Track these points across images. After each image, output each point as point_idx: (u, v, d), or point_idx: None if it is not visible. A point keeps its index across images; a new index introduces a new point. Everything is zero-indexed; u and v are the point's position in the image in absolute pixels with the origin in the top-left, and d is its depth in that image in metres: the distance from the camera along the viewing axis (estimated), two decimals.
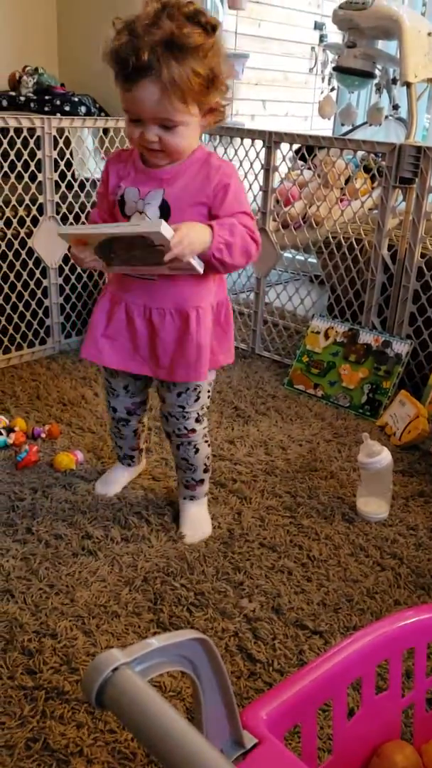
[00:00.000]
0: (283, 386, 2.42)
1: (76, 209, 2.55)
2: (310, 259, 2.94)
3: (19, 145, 2.31)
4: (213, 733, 0.63)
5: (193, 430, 1.55)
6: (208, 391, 1.55)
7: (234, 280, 2.77)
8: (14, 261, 2.40)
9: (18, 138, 2.30)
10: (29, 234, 2.41)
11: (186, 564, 1.50)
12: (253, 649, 1.29)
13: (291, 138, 2.43)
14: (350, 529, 1.65)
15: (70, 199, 2.52)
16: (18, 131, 2.30)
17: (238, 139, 2.59)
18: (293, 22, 4.14)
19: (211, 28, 1.24)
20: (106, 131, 2.68)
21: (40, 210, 2.42)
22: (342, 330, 2.37)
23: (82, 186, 2.57)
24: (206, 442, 1.59)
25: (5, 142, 2.27)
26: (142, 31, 1.19)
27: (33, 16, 4.21)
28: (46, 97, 3.06)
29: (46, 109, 2.98)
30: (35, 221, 2.42)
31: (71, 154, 2.52)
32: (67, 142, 2.48)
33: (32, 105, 3.04)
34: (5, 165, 2.28)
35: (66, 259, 2.52)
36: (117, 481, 1.75)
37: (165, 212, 1.36)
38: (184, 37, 1.20)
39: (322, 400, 2.33)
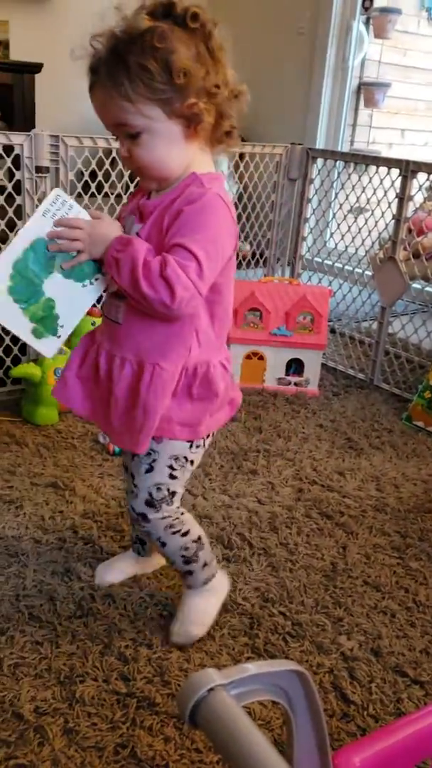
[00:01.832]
0: (401, 421, 2.35)
1: None
2: None
3: None
4: None
5: (144, 517, 1.24)
6: (171, 468, 1.22)
7: (357, 307, 2.73)
8: None
9: None
10: None
11: (286, 592, 1.48)
12: (348, 690, 1.25)
13: (429, 168, 2.38)
14: None
15: None
16: None
17: (374, 168, 2.56)
18: None
19: (185, 18, 1.02)
20: (242, 156, 2.73)
21: None
22: None
23: None
24: (177, 533, 1.27)
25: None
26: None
27: None
28: None
29: None
30: None
31: None
32: None
33: None
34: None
35: None
36: (120, 568, 1.48)
37: None
38: (127, 26, 1.02)
39: None
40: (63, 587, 1.44)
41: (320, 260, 2.87)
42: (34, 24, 3.82)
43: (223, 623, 1.38)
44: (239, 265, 2.84)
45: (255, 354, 2.48)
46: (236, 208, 2.71)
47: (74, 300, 1.11)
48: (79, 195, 2.23)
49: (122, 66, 1.01)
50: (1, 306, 1.06)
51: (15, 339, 2.24)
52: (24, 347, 2.27)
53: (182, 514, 1.28)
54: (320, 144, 3.92)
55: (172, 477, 1.23)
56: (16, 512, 1.68)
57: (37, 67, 3.66)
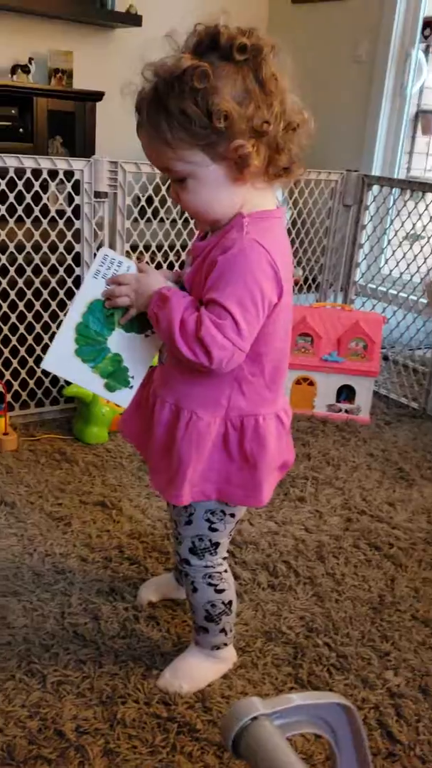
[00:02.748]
0: None
1: None
2: None
3: None
4: None
5: (187, 561, 1.22)
6: (210, 521, 1.18)
7: (411, 335, 2.70)
8: None
9: None
10: None
11: (331, 623, 1.46)
12: (395, 728, 1.21)
13: None
14: None
15: None
16: None
17: (430, 195, 2.54)
18: None
19: (231, 51, 0.94)
20: (296, 182, 2.75)
21: None
22: None
23: None
24: (212, 585, 1.22)
25: None
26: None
27: None
28: None
29: None
30: None
31: None
32: None
33: None
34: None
35: None
36: (160, 589, 1.49)
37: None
38: (169, 65, 0.96)
39: None
40: (107, 607, 1.44)
41: (374, 286, 2.85)
42: (97, 54, 3.94)
43: (266, 651, 1.36)
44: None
45: (305, 379, 2.46)
46: (289, 233, 2.72)
47: (139, 351, 1.12)
48: (136, 220, 2.27)
49: (162, 110, 0.97)
50: (71, 369, 1.11)
51: None
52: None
53: (225, 571, 1.24)
54: (376, 171, 3.92)
55: (212, 530, 1.19)
56: (64, 529, 1.70)
57: (98, 96, 3.77)
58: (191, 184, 1.02)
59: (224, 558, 1.25)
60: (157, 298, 1.05)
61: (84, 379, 1.12)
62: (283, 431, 1.15)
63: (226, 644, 1.29)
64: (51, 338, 2.20)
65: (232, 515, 1.20)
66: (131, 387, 1.14)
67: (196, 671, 1.27)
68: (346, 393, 2.47)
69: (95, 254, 1.03)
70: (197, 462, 1.11)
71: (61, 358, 1.11)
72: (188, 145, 0.98)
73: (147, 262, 1.12)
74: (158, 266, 2.40)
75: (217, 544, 1.21)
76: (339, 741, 0.56)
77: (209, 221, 1.06)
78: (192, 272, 1.07)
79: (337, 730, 0.56)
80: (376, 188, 2.75)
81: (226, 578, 1.24)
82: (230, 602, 1.26)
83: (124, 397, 1.14)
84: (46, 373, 2.26)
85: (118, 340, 1.11)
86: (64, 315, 1.12)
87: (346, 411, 2.48)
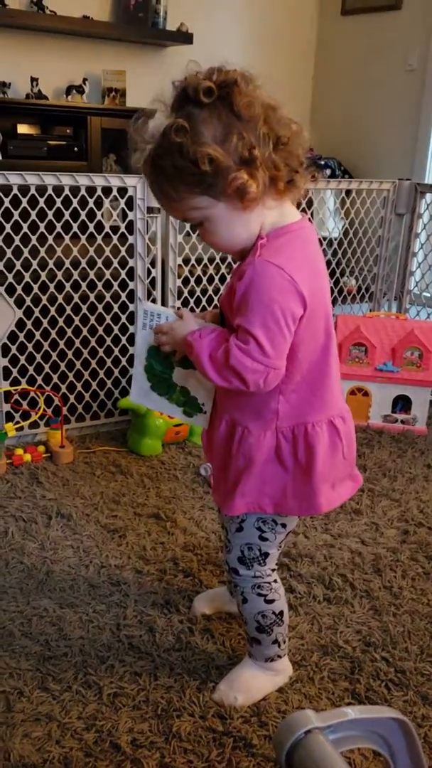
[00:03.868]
0: None
1: None
2: None
3: None
4: None
5: (236, 571, 1.22)
6: (260, 530, 1.19)
7: None
8: None
9: None
10: None
11: (389, 637, 1.42)
12: None
13: None
14: None
15: None
16: None
17: None
18: None
19: (198, 98, 0.99)
20: (348, 192, 2.73)
21: None
22: None
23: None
24: (262, 596, 1.22)
25: None
26: None
27: (291, 85, 4.46)
28: None
29: None
30: None
31: (312, 214, 2.60)
32: (310, 203, 2.56)
33: None
34: None
35: None
36: (213, 602, 1.49)
37: (222, 318, 1.15)
38: (152, 131, 1.04)
39: None
40: (162, 619, 1.44)
41: (429, 295, 2.80)
42: (149, 72, 4.02)
43: (323, 666, 1.34)
44: (344, 300, 2.81)
45: (360, 390, 2.43)
46: (341, 243, 2.70)
47: (201, 382, 1.19)
48: (188, 234, 2.29)
49: (159, 171, 1.04)
50: (153, 401, 1.25)
51: (123, 372, 2.32)
52: (131, 381, 2.33)
53: (275, 581, 1.24)
54: (429, 179, 3.86)
55: (263, 539, 1.20)
56: (119, 541, 1.71)
57: (151, 113, 3.82)
58: (209, 226, 1.06)
59: (273, 569, 1.24)
60: (187, 343, 1.10)
61: (164, 408, 1.25)
62: (338, 438, 1.14)
63: (280, 656, 1.28)
64: (105, 352, 2.24)
65: (284, 525, 1.20)
66: (205, 412, 1.23)
67: (251, 683, 1.27)
68: (402, 403, 2.43)
69: (138, 305, 1.14)
70: (249, 475, 1.13)
71: (142, 394, 1.25)
72: (191, 194, 1.03)
73: (183, 308, 1.21)
74: (210, 279, 2.42)
75: (266, 554, 1.21)
76: (395, 757, 0.55)
77: (237, 252, 1.10)
78: (224, 296, 1.12)
79: (393, 746, 0.54)
80: (429, 196, 2.71)
81: (276, 588, 1.24)
82: (281, 612, 1.25)
83: (201, 420, 1.24)
84: (101, 385, 2.29)
85: (180, 376, 1.21)
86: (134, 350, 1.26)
87: (402, 421, 2.43)
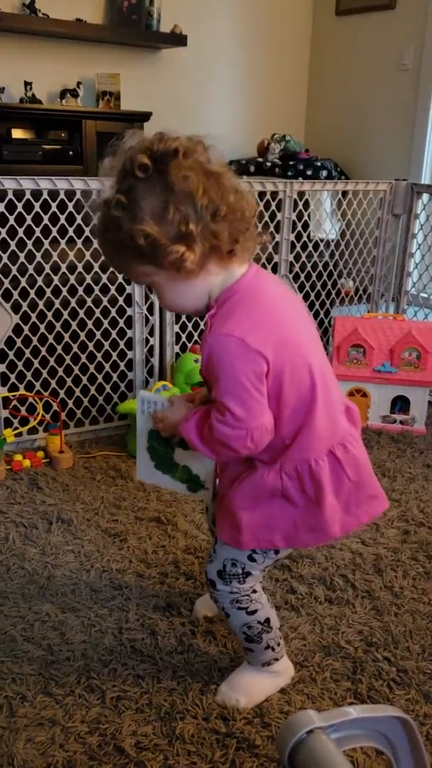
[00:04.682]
0: None
1: (308, 269, 2.61)
2: None
3: (261, 207, 2.43)
4: None
5: (212, 584, 1.21)
6: (254, 552, 1.18)
7: None
8: None
9: (261, 201, 2.43)
10: None
11: (390, 637, 1.43)
12: None
13: None
14: None
15: (303, 259, 2.59)
16: (262, 195, 2.43)
17: None
18: None
19: (135, 173, 1.01)
20: (344, 194, 2.74)
21: (275, 269, 2.52)
22: None
23: (315, 246, 2.64)
24: (242, 609, 1.21)
25: None
26: None
27: (286, 87, 4.47)
28: (290, 162, 3.21)
29: (290, 173, 3.12)
30: None
31: (309, 215, 2.60)
32: (306, 205, 2.56)
33: (277, 170, 3.21)
34: None
35: None
36: (213, 604, 1.39)
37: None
38: (98, 203, 1.09)
39: None
40: (164, 622, 1.45)
41: (426, 295, 2.81)
42: (143, 75, 4.02)
43: (325, 666, 1.34)
44: (342, 302, 2.82)
45: (358, 391, 2.44)
46: (338, 245, 2.71)
47: (202, 460, 1.25)
48: None
49: (105, 241, 1.08)
50: (158, 478, 1.31)
51: (121, 376, 2.32)
52: (130, 385, 2.34)
53: (254, 592, 1.22)
54: (425, 179, 3.87)
55: (252, 559, 1.18)
56: (120, 545, 1.71)
57: (146, 116, 3.83)
58: (157, 291, 1.12)
59: (252, 590, 1.22)
60: (179, 431, 1.14)
61: (170, 485, 1.31)
62: (340, 467, 1.13)
63: (276, 659, 1.28)
64: (103, 356, 2.24)
65: (277, 552, 1.20)
66: (207, 488, 1.29)
67: (252, 685, 1.27)
68: (400, 404, 2.44)
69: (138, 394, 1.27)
70: (253, 510, 1.14)
71: (148, 472, 1.31)
72: (136, 262, 1.07)
73: (174, 396, 1.26)
74: None
75: (248, 574, 1.20)
76: (397, 755, 0.55)
77: (189, 313, 1.16)
78: (201, 368, 1.12)
79: (396, 744, 0.55)
80: (425, 196, 2.72)
81: (256, 598, 1.22)
82: (267, 620, 1.23)
83: (205, 496, 1.30)
84: (99, 390, 2.30)
85: (181, 456, 1.27)
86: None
87: (401, 422, 2.44)
